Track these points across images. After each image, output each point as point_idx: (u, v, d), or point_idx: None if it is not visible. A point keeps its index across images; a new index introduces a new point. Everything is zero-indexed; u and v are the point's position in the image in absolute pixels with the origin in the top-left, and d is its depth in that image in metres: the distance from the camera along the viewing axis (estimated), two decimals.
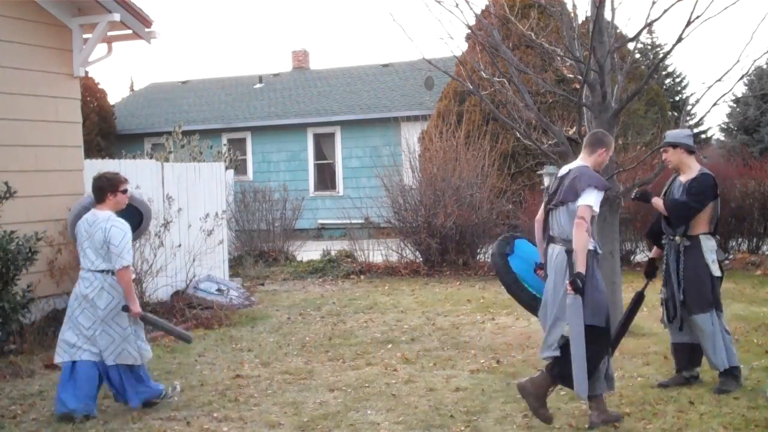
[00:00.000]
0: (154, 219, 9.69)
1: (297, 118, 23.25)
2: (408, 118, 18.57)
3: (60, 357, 6.02)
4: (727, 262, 5.89)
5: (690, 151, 6.19)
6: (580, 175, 5.35)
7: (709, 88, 8.03)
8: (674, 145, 6.18)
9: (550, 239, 5.49)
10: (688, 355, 6.27)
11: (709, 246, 6.10)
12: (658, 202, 6.25)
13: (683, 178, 6.20)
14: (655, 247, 6.55)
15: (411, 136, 15.72)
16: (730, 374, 6.09)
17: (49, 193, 9.02)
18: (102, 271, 5.90)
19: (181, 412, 5.98)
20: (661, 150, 6.41)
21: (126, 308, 5.89)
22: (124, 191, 6.10)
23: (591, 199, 5.27)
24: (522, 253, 5.89)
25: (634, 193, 6.55)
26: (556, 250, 5.42)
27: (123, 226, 5.92)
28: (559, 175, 5.58)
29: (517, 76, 8.54)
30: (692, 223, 6.09)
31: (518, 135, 9.00)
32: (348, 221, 15.48)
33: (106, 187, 6.00)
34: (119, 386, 6.03)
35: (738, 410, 5.56)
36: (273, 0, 67.20)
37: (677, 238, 6.13)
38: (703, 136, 33.10)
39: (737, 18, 56.90)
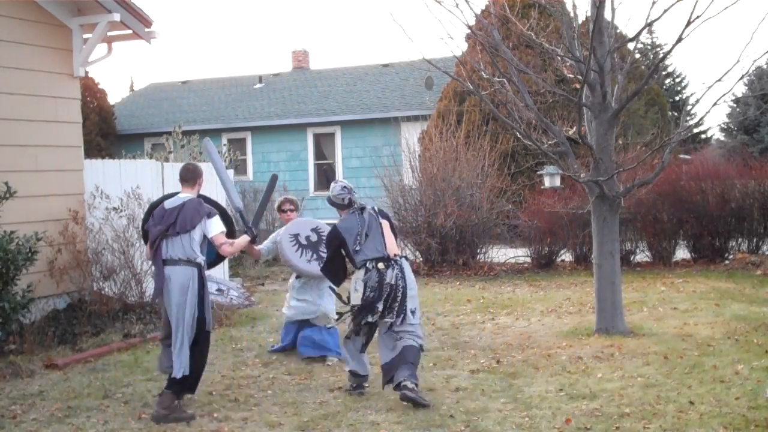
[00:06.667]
0: None
1: (297, 118, 23.24)
2: (408, 118, 18.55)
3: None
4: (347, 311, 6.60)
5: (335, 205, 6.55)
6: (195, 207, 5.99)
7: (709, 88, 8.03)
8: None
9: (170, 262, 5.93)
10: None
11: (353, 276, 6.37)
12: None
13: None
14: None
15: (411, 136, 15.71)
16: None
17: (49, 193, 9.02)
18: None
19: None
20: None
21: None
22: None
23: (219, 226, 6.05)
24: None
25: None
26: (178, 270, 5.91)
27: None
28: (169, 207, 6.02)
29: (517, 76, 8.54)
30: None
31: (518, 135, 9.00)
32: None
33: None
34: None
35: (738, 410, 5.55)
36: (273, 0, 67.25)
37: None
38: (703, 136, 33.12)
39: (737, 18, 56.97)
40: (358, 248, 6.30)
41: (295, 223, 7.88)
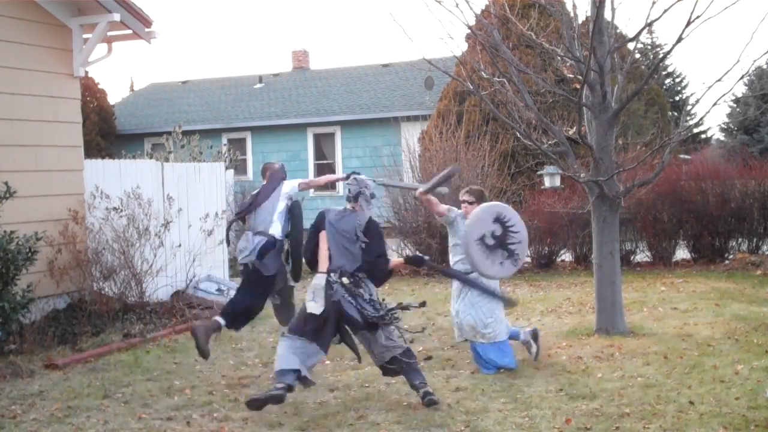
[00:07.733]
0: (155, 219, 9.70)
1: (297, 118, 23.24)
2: (408, 118, 18.55)
3: None
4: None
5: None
6: None
7: (709, 88, 8.03)
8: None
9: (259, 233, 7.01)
10: None
11: (314, 281, 6.04)
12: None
13: None
14: None
15: (411, 136, 15.72)
16: None
17: (49, 193, 9.03)
18: None
19: (181, 412, 5.98)
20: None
21: None
22: None
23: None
24: None
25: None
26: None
27: None
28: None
29: (517, 76, 8.54)
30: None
31: (518, 135, 9.00)
32: None
33: None
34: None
35: (738, 410, 5.55)
36: (273, 0, 67.24)
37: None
38: (703, 136, 33.13)
39: (737, 18, 56.96)
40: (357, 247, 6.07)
41: (475, 221, 6.78)
